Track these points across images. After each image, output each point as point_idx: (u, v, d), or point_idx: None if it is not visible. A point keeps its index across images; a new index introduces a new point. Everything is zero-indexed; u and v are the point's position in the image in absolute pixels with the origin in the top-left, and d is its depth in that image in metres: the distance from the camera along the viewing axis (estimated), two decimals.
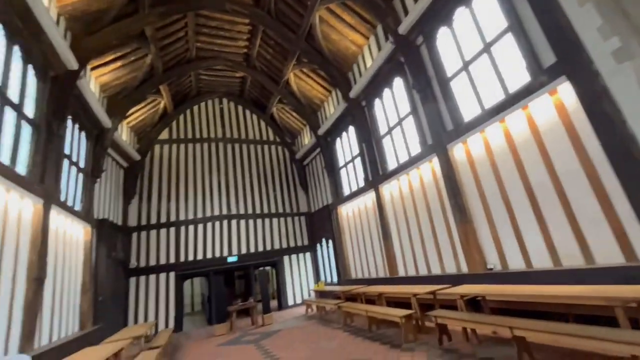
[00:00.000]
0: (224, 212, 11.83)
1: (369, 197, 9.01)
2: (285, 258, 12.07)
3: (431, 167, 6.70)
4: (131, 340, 5.72)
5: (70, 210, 6.60)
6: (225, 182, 12.31)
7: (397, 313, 5.09)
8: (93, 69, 7.82)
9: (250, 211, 12.21)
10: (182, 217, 11.29)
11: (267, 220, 12.33)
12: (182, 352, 6.99)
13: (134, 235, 10.53)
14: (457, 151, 6.00)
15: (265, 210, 12.47)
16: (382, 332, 5.92)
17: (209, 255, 11.12)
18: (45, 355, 4.77)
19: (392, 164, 8.12)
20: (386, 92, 8.20)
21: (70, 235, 6.78)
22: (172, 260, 10.67)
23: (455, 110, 5.99)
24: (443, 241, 6.43)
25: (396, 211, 7.90)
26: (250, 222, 12.06)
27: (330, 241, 11.21)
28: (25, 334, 4.69)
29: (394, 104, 7.86)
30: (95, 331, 6.91)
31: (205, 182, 12.06)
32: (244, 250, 11.57)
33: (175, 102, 12.07)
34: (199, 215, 11.50)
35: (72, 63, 6.21)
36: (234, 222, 11.82)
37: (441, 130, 6.20)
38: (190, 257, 10.89)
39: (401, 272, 7.75)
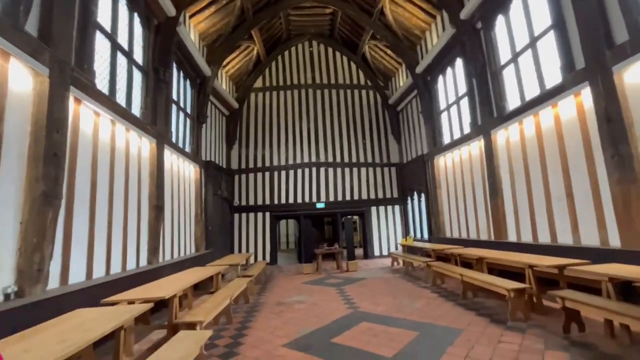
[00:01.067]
0: (313, 159, 11.92)
1: (475, 146, 7.47)
2: (373, 209, 11.72)
3: (577, 103, 4.83)
4: (228, 267, 6.47)
5: (180, 151, 7.47)
6: (314, 129, 12.22)
7: (505, 284, 4.14)
8: (191, 16, 8.16)
9: (338, 159, 12.00)
10: (275, 163, 11.90)
11: (355, 170, 11.97)
12: (273, 282, 7.69)
13: (236, 177, 11.71)
14: (631, 75, 4.04)
15: (354, 159, 12.06)
16: (479, 301, 5.07)
17: (299, 199, 11.63)
18: (166, 267, 5.80)
19: (513, 103, 6.33)
20: (514, 4, 6.10)
21: (183, 173, 7.79)
22: (268, 202, 11.58)
23: (636, 9, 3.90)
24: (582, 203, 4.80)
25: (513, 163, 6.31)
26: (339, 170, 11.91)
27: (422, 195, 10.18)
28: (151, 250, 5.74)
29: (525, 18, 5.81)
30: (206, 254, 8.16)
31: (295, 129, 12.21)
32: (332, 198, 11.67)
33: (267, 48, 12.06)
34: (290, 161, 11.90)
35: (170, 9, 6.47)
36: (322, 169, 11.86)
37: (604, 45, 4.22)
38: (283, 200, 11.60)
39: (511, 237, 6.40)
